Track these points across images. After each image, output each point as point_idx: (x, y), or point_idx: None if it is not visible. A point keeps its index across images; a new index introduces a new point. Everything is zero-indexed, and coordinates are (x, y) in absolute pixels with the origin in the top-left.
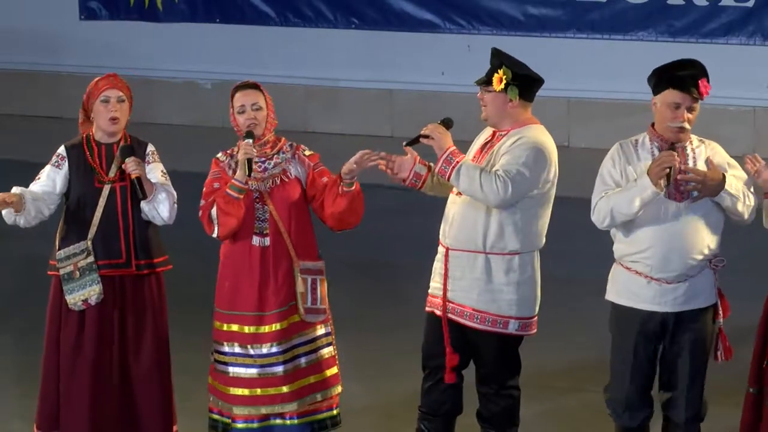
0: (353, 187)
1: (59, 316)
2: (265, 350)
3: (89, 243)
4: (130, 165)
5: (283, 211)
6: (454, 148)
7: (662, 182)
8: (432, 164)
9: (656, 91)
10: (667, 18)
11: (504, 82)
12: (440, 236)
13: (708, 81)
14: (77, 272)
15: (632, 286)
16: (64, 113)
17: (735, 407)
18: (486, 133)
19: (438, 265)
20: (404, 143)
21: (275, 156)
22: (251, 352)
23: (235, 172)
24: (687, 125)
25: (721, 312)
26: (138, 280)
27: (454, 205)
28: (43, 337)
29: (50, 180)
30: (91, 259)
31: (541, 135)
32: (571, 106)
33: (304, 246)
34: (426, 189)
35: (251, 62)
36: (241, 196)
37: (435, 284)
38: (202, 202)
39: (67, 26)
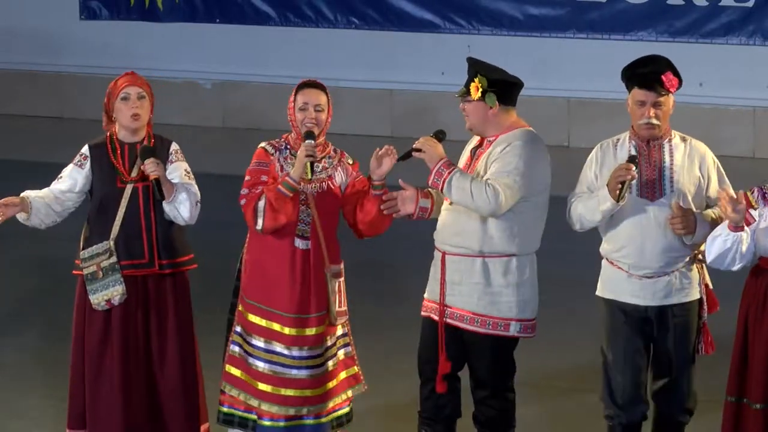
0: (382, 190)
1: (84, 316)
2: (305, 353)
3: (112, 243)
4: (149, 167)
5: (323, 216)
6: (445, 159)
7: (617, 194)
8: (431, 190)
9: (628, 90)
10: (667, 18)
11: (480, 90)
12: (435, 241)
13: (675, 74)
14: (100, 272)
15: (615, 279)
16: (64, 113)
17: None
18: (475, 139)
19: (434, 270)
20: (397, 158)
21: (323, 160)
22: (294, 354)
23: (282, 167)
24: (654, 121)
25: (706, 307)
26: (161, 279)
27: (448, 212)
28: (43, 337)
29: (71, 179)
30: (113, 259)
31: (529, 139)
32: (571, 106)
33: (332, 250)
34: (433, 216)
35: (251, 62)
36: (292, 195)
37: (431, 288)
38: (245, 190)
39: (67, 26)
